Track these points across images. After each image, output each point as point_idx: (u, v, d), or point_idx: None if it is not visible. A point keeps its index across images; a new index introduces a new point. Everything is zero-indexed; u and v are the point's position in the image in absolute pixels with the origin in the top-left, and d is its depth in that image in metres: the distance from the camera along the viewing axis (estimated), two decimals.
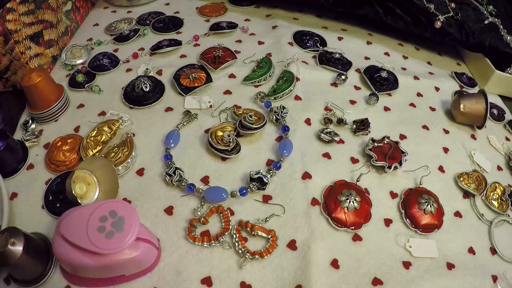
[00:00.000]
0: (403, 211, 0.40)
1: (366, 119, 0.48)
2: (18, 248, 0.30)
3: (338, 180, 0.42)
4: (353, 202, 0.39)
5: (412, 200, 0.41)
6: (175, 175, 0.40)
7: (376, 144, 0.44)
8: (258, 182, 0.40)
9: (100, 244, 0.28)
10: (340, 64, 0.57)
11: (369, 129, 0.47)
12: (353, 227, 0.38)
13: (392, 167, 0.42)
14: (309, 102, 0.51)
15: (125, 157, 0.43)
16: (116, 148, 0.44)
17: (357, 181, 0.42)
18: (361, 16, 0.63)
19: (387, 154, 0.43)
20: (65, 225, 0.29)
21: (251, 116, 0.45)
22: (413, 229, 0.39)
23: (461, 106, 0.50)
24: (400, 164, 0.43)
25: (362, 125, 0.47)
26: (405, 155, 0.44)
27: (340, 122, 0.48)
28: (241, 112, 0.48)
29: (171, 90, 0.52)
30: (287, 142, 0.44)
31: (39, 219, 0.38)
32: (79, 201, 0.36)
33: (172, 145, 0.44)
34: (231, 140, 0.43)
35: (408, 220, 0.40)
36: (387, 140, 0.44)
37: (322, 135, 0.46)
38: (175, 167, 0.41)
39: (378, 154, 0.43)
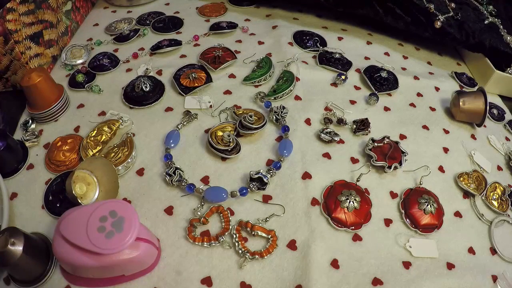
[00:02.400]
0: (403, 211, 0.40)
1: (366, 119, 0.48)
2: (18, 248, 0.30)
3: (338, 180, 0.42)
4: (353, 202, 0.39)
5: (412, 200, 0.41)
6: (175, 175, 0.40)
7: (376, 144, 0.44)
8: (258, 182, 0.40)
9: (100, 244, 0.28)
10: (340, 64, 0.57)
11: (369, 129, 0.47)
12: (353, 227, 0.38)
13: (392, 167, 0.42)
14: (309, 102, 0.51)
15: (125, 157, 0.42)
16: (116, 148, 0.44)
17: (357, 181, 0.42)
18: (361, 16, 0.63)
19: (387, 154, 0.43)
20: (65, 225, 0.29)
21: (251, 116, 0.45)
22: (413, 229, 0.39)
23: (461, 102, 0.50)
24: (400, 164, 0.43)
25: (362, 125, 0.47)
26: (405, 155, 0.44)
27: (340, 122, 0.48)
28: (241, 112, 0.48)
29: (171, 90, 0.52)
30: (287, 142, 0.44)
31: (39, 219, 0.38)
32: (79, 201, 0.36)
33: (172, 145, 0.44)
34: (231, 140, 0.43)
35: (408, 220, 0.40)
36: (387, 140, 0.44)
37: (322, 135, 0.46)
38: (175, 167, 0.41)
39: (378, 154, 0.43)
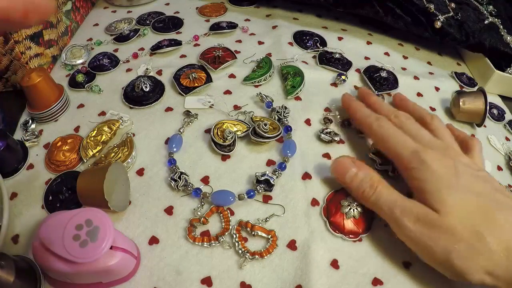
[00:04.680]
0: None
1: None
2: (9, 274, 0.30)
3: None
4: (354, 210, 0.39)
5: None
6: (180, 180, 0.40)
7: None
8: (264, 184, 0.40)
9: (75, 253, 0.28)
10: (340, 64, 0.57)
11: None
12: (351, 235, 0.38)
13: (396, 171, 0.42)
14: (309, 102, 0.51)
15: (125, 157, 0.43)
16: (116, 148, 0.44)
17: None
18: (361, 16, 0.63)
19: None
20: (44, 230, 0.30)
21: (265, 125, 0.44)
22: None
23: (461, 102, 0.50)
24: None
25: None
26: None
27: (345, 124, 0.48)
28: (258, 119, 0.47)
29: (171, 90, 0.52)
30: (291, 143, 0.44)
31: (39, 219, 0.38)
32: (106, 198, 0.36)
33: (175, 150, 0.44)
34: (229, 137, 0.43)
35: None
36: None
37: (322, 135, 0.46)
38: (180, 172, 0.41)
39: (381, 158, 0.43)
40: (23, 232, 0.38)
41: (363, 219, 0.39)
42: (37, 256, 0.30)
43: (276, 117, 0.47)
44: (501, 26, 0.61)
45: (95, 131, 0.45)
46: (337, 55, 0.58)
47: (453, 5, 0.61)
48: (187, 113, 0.48)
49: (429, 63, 0.63)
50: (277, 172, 0.42)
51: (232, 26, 0.63)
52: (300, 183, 0.42)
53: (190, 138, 0.46)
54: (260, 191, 0.40)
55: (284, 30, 0.64)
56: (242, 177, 0.42)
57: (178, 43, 0.59)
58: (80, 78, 0.53)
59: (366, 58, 0.60)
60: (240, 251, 0.36)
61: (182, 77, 0.52)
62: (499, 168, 0.49)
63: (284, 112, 0.47)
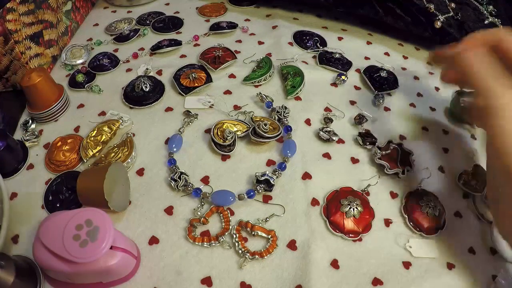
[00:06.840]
0: (406, 216, 0.40)
1: (369, 132, 0.47)
2: (10, 274, 0.30)
3: (345, 187, 0.42)
4: (353, 210, 0.39)
5: (414, 204, 0.40)
6: (180, 180, 0.40)
7: (384, 152, 0.44)
8: (264, 183, 0.40)
9: (74, 253, 0.29)
10: (340, 64, 0.57)
11: (373, 139, 0.46)
12: (351, 235, 0.38)
13: (405, 171, 0.42)
14: (309, 102, 0.51)
15: (125, 157, 0.43)
16: (116, 148, 0.44)
17: (363, 191, 0.41)
18: (361, 16, 0.63)
19: (398, 159, 0.42)
20: (44, 230, 0.30)
21: (265, 125, 0.44)
22: (418, 233, 0.39)
23: (461, 102, 0.50)
24: (411, 166, 0.43)
25: (367, 137, 0.46)
26: (412, 155, 0.44)
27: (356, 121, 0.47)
28: (258, 119, 0.47)
29: (171, 90, 0.52)
30: (290, 143, 0.44)
31: (39, 219, 0.38)
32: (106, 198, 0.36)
33: (175, 150, 0.44)
34: (229, 137, 0.43)
35: (411, 223, 0.39)
36: (392, 145, 0.44)
37: (321, 133, 0.45)
38: (180, 172, 0.41)
39: (388, 161, 0.43)
40: (23, 232, 0.38)
41: (363, 219, 0.39)
42: (37, 256, 0.30)
43: (276, 117, 0.47)
44: (501, 26, 0.61)
45: (95, 131, 0.45)
46: (337, 55, 0.58)
47: (453, 5, 0.61)
48: (187, 113, 0.48)
49: (429, 63, 0.63)
50: (277, 172, 0.42)
51: (232, 26, 0.63)
52: (300, 183, 0.42)
53: (190, 138, 0.46)
54: (260, 191, 0.40)
55: (284, 30, 0.64)
56: (242, 177, 0.42)
57: (178, 43, 0.59)
58: (80, 78, 0.53)
59: (366, 58, 0.60)
60: (240, 251, 0.36)
61: (182, 77, 0.52)
62: None
63: (284, 112, 0.47)
